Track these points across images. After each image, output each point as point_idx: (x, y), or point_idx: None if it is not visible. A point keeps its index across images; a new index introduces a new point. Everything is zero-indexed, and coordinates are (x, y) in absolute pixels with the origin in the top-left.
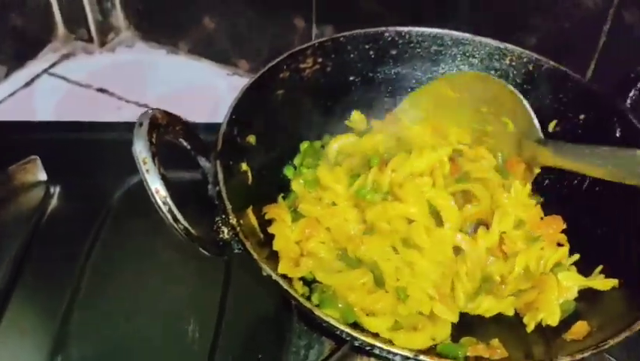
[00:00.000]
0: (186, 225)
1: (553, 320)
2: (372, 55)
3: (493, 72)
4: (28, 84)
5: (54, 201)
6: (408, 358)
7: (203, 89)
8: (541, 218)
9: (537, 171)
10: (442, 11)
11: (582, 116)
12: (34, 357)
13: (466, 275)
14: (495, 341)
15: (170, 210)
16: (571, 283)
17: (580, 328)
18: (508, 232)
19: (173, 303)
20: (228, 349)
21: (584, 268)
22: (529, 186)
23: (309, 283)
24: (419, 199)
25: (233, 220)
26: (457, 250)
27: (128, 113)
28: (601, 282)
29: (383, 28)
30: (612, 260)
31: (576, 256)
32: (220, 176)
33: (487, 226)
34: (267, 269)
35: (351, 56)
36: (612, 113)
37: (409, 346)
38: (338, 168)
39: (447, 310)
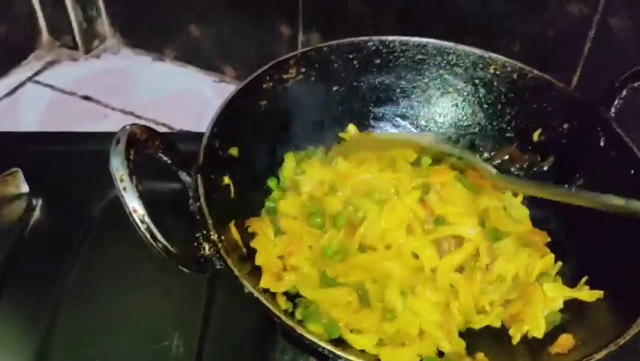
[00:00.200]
0: (165, 243)
1: (538, 332)
2: (356, 64)
3: (477, 81)
4: (12, 92)
5: (36, 214)
6: None
7: (190, 96)
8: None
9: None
10: (427, 18)
11: (566, 126)
12: None
13: (457, 310)
14: (480, 355)
15: (148, 229)
16: (556, 294)
17: (565, 341)
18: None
19: (157, 318)
20: None
21: (569, 279)
22: (520, 197)
23: (293, 297)
24: (396, 253)
25: (214, 237)
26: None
27: (114, 121)
28: (586, 293)
29: (366, 38)
30: (597, 271)
31: (559, 264)
32: (201, 191)
33: None
34: (248, 287)
35: (335, 65)
36: (596, 123)
37: None
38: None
39: (451, 345)
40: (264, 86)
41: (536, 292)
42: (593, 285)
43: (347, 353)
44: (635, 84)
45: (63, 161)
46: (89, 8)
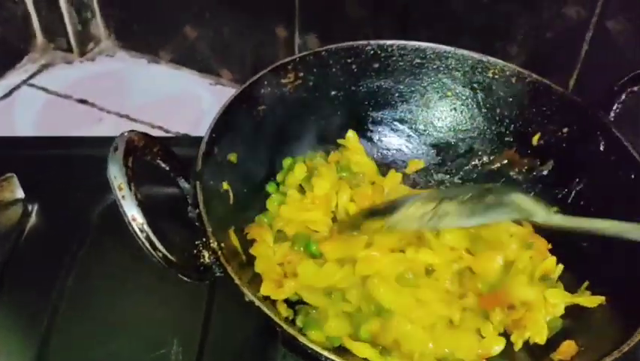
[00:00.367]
0: (165, 252)
1: (540, 338)
2: (355, 68)
3: (476, 85)
4: (6, 95)
5: (32, 220)
6: None
7: (186, 99)
8: None
9: None
10: (424, 21)
11: (566, 130)
12: None
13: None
14: None
15: (147, 238)
16: (557, 300)
17: (568, 347)
18: None
19: (155, 325)
20: None
21: (570, 284)
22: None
23: (293, 304)
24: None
25: (214, 244)
26: None
27: (109, 124)
28: (587, 299)
29: (365, 42)
30: (598, 276)
31: (561, 267)
32: (200, 198)
33: None
34: (249, 295)
35: (333, 70)
36: (596, 127)
37: None
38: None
39: None
40: (262, 91)
41: (538, 298)
42: (594, 290)
43: None
44: (635, 88)
45: (59, 166)
46: (83, 11)
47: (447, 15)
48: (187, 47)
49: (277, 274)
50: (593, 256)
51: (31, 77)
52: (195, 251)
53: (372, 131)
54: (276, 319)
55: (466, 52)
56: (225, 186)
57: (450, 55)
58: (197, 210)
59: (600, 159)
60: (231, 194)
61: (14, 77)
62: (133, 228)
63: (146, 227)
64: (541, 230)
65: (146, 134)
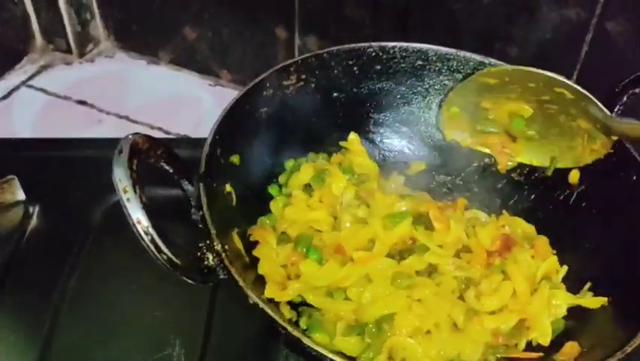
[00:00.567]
0: (169, 255)
1: (544, 339)
2: (356, 70)
3: None
4: (5, 97)
5: (33, 221)
6: None
7: (185, 100)
8: None
9: (614, 138)
10: (424, 22)
11: None
12: None
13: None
14: None
15: (152, 241)
16: (560, 301)
17: (571, 348)
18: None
19: (157, 326)
20: None
21: (572, 285)
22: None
23: (297, 305)
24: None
25: (218, 246)
26: None
27: (109, 126)
28: (590, 300)
29: (366, 44)
30: (600, 277)
31: (565, 268)
32: (204, 200)
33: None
34: (253, 297)
35: (335, 72)
36: None
37: None
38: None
39: None
40: (264, 93)
41: (541, 298)
42: (596, 291)
43: None
44: (636, 90)
45: (60, 167)
46: (82, 12)
47: (445, 17)
48: (186, 48)
49: (281, 275)
50: (595, 257)
51: (31, 78)
52: (199, 253)
53: (373, 133)
54: (281, 321)
55: (468, 54)
56: (228, 188)
57: (452, 57)
58: (201, 213)
59: (601, 160)
60: (234, 196)
61: (13, 78)
62: (138, 230)
63: (150, 230)
64: (542, 229)
65: (149, 137)
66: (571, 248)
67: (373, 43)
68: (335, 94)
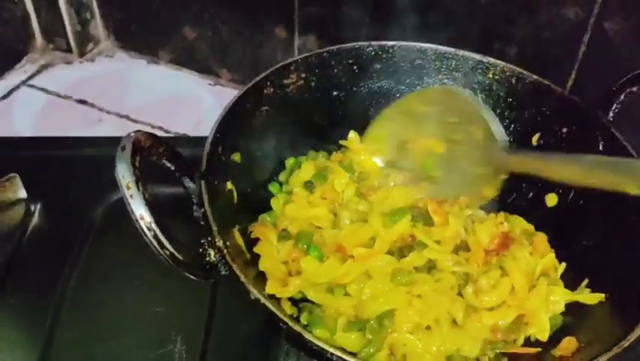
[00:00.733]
0: (172, 250)
1: (543, 335)
2: (356, 69)
3: (476, 86)
4: (5, 96)
5: (35, 219)
6: None
7: (185, 100)
8: None
9: (503, 177)
10: (423, 19)
11: (565, 130)
12: None
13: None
14: (485, 358)
15: (155, 236)
16: (558, 297)
17: (568, 343)
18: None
19: (159, 323)
20: None
21: (569, 281)
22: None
23: (297, 301)
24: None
25: (219, 243)
26: None
27: (109, 125)
28: (587, 296)
29: (366, 43)
30: (598, 273)
31: (563, 266)
32: (205, 197)
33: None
34: (255, 293)
35: (335, 70)
36: (595, 127)
37: None
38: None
39: None
40: (265, 91)
41: (540, 294)
42: (593, 288)
43: (354, 358)
44: (634, 88)
45: (61, 166)
46: (82, 11)
47: (444, 16)
48: (186, 48)
49: (281, 272)
50: (592, 254)
51: (31, 77)
52: (201, 250)
53: None
54: (282, 316)
55: (466, 53)
56: (229, 185)
57: (451, 56)
58: (203, 210)
59: None
60: (235, 193)
61: (13, 77)
62: (141, 226)
63: (153, 226)
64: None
65: (152, 135)
66: (569, 245)
67: (373, 43)
68: (335, 92)
